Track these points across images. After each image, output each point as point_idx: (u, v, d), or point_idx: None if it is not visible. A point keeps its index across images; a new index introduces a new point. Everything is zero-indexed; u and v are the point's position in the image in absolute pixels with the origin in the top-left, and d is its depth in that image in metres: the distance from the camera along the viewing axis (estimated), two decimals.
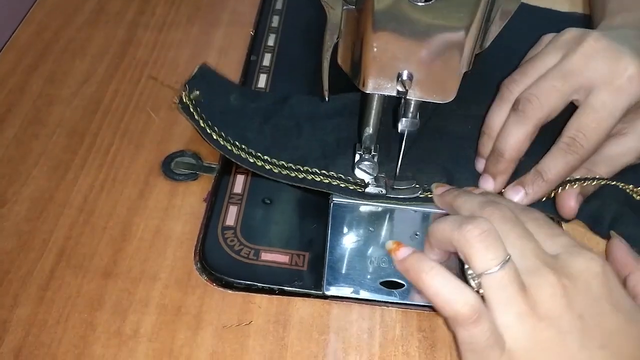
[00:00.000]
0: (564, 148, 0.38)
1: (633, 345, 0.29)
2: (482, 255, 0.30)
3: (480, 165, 0.41)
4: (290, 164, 0.42)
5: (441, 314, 0.30)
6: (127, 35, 0.52)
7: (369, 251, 0.38)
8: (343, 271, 0.37)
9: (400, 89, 0.33)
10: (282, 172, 0.41)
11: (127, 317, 0.35)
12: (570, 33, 0.39)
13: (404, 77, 0.32)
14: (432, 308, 0.35)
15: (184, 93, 0.43)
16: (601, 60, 0.37)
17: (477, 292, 0.30)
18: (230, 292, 0.36)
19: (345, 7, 0.32)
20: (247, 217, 0.40)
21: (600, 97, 0.37)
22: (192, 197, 0.41)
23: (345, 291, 0.36)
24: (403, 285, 0.37)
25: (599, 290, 0.29)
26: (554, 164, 0.38)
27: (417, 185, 0.41)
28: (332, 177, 0.41)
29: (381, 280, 0.37)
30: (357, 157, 0.39)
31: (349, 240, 0.39)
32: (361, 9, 0.31)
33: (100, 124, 0.45)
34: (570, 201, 0.39)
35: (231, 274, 0.37)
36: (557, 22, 0.47)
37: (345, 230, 0.39)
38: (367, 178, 0.40)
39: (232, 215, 0.40)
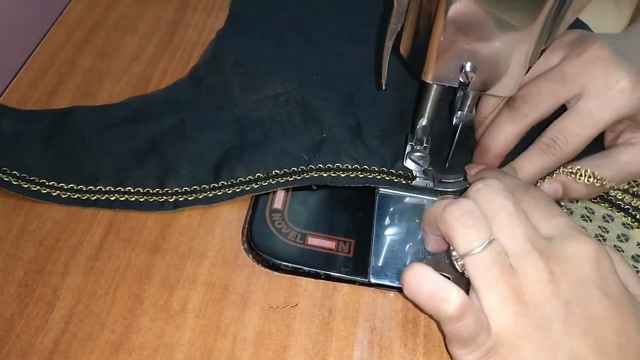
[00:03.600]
0: (542, 148, 0.37)
1: (618, 331, 0.28)
2: (463, 237, 0.30)
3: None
4: (81, 186, 0.39)
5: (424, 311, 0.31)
6: (176, 16, 0.53)
7: (415, 242, 0.38)
8: (389, 260, 0.37)
9: (462, 80, 0.33)
10: (72, 197, 0.39)
11: (175, 293, 0.35)
12: (577, 35, 0.39)
13: (468, 69, 0.32)
14: None
15: None
16: (599, 69, 0.37)
17: (462, 273, 0.30)
18: (276, 273, 0.37)
19: None
20: (294, 202, 0.40)
21: (589, 104, 0.37)
22: None
23: (391, 280, 0.36)
24: (449, 278, 0.36)
25: (589, 275, 0.29)
26: (529, 163, 0.38)
27: (463, 180, 0.41)
28: (128, 192, 0.39)
29: None
30: (409, 147, 0.39)
31: (395, 230, 0.39)
32: None
33: None
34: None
35: (278, 256, 0.37)
36: None
37: (392, 220, 0.39)
38: (416, 170, 0.40)
39: (279, 199, 0.40)
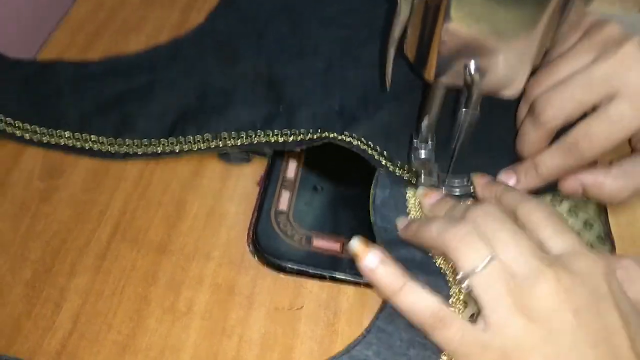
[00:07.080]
0: (565, 148, 0.36)
1: (627, 346, 0.28)
2: (465, 257, 0.30)
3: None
4: (43, 128, 0.42)
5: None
6: (180, 18, 0.53)
7: None
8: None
9: (466, 80, 0.33)
10: (33, 138, 0.42)
11: (181, 294, 0.35)
12: (611, 31, 0.36)
13: (472, 69, 0.32)
14: None
15: None
16: (634, 70, 0.34)
17: (469, 294, 0.31)
18: (282, 275, 0.37)
19: None
20: (299, 203, 0.40)
21: (621, 108, 0.34)
22: (245, 180, 0.41)
23: None
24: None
25: (599, 287, 0.29)
26: (550, 161, 0.37)
27: (469, 184, 0.40)
28: (85, 140, 0.42)
29: None
30: (414, 145, 0.39)
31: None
32: None
33: None
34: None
35: (283, 258, 0.37)
36: None
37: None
38: (420, 168, 0.40)
39: (284, 200, 0.40)
